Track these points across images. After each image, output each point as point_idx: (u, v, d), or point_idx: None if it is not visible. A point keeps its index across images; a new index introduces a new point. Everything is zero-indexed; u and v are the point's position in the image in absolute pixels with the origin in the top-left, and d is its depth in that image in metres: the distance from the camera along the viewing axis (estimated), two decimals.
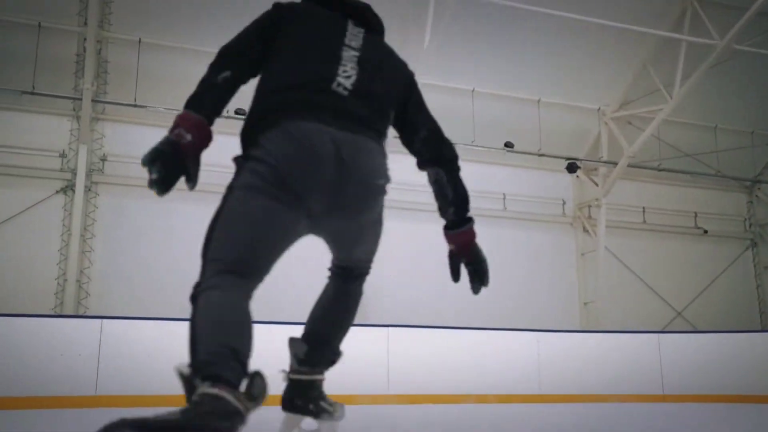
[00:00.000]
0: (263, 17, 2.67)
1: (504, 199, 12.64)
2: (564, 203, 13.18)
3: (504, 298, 11.96)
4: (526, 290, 12.29)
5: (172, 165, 2.37)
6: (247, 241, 2.31)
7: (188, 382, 2.01)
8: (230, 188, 2.45)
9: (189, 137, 2.37)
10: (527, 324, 10.37)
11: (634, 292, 13.06)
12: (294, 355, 2.92)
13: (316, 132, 2.36)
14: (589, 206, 13.13)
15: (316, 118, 2.39)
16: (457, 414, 4.69)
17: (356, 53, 2.63)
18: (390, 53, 2.91)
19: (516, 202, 12.72)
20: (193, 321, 2.18)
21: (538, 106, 12.36)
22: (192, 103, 2.47)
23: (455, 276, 3.02)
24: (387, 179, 2.66)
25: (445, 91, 11.83)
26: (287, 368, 2.95)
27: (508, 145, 12.04)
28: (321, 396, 2.88)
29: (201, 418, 1.75)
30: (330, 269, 2.98)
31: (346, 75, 2.54)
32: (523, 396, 8.37)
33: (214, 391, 1.85)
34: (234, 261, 2.29)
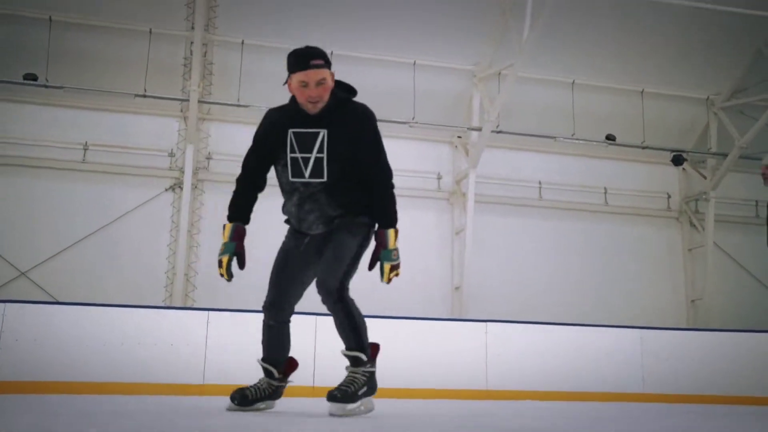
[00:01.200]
0: None
1: (605, 193, 12.29)
2: (669, 197, 12.68)
3: (607, 294, 11.68)
4: (630, 287, 11.93)
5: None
6: None
7: (362, 362, 3.46)
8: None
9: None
10: (631, 321, 10.06)
11: (746, 289, 12.42)
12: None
13: None
14: (696, 200, 12.59)
15: None
16: (557, 410, 4.62)
17: None
18: None
19: (618, 196, 12.34)
20: (354, 317, 3.44)
21: (641, 97, 11.95)
22: None
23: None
24: None
25: (545, 83, 11.64)
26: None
27: (610, 137, 11.70)
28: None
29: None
30: None
31: None
32: (626, 395, 8.15)
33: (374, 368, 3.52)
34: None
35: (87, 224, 10.28)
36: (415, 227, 11.31)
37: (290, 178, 3.48)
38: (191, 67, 10.38)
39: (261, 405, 3.64)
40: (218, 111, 10.95)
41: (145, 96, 10.19)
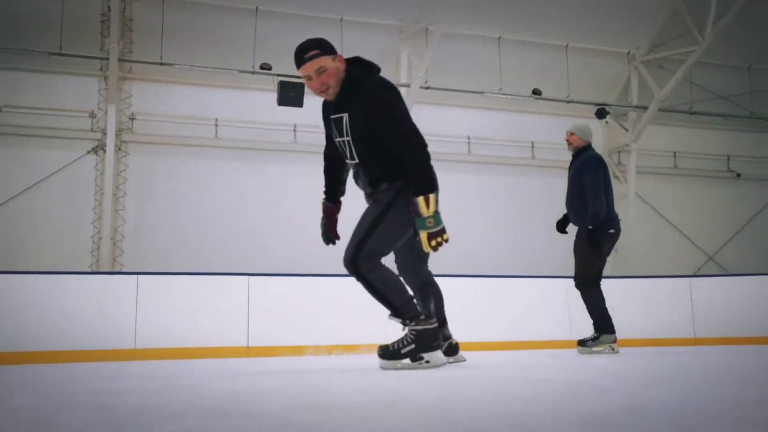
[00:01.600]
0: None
1: (533, 147, 12.54)
2: (595, 149, 13.02)
3: (537, 246, 11.99)
4: (551, 237, 12.25)
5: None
6: None
7: (405, 324, 3.58)
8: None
9: None
10: (554, 271, 10.37)
11: (666, 238, 12.97)
12: None
13: None
14: (619, 152, 12.99)
15: None
16: (504, 359, 4.77)
17: None
18: None
19: (545, 150, 12.61)
20: (376, 287, 3.56)
21: (566, 52, 12.15)
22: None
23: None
24: None
25: (472, 39, 11.69)
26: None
27: (536, 92, 11.90)
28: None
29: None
30: None
31: None
32: (555, 342, 8.43)
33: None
34: None
35: (5, 189, 9.91)
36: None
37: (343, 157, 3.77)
38: (109, 23, 9.98)
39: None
40: (140, 70, 10.59)
41: (61, 54, 9.77)
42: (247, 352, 7.05)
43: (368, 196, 3.72)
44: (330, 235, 3.91)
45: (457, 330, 4.42)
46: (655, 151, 13.03)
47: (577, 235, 5.94)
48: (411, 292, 3.85)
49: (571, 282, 6.13)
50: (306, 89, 10.13)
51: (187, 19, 10.30)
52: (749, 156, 13.82)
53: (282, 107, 10.31)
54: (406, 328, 3.57)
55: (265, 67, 10.37)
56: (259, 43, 10.36)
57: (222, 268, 8.53)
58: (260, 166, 10.82)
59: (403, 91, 11.27)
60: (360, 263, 3.47)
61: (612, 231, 5.88)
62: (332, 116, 3.61)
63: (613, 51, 12.57)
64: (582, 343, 5.80)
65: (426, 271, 4.13)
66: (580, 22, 11.82)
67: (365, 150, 3.54)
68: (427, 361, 3.52)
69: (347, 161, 3.70)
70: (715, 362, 4.20)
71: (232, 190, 10.74)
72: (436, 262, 4.27)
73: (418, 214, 3.35)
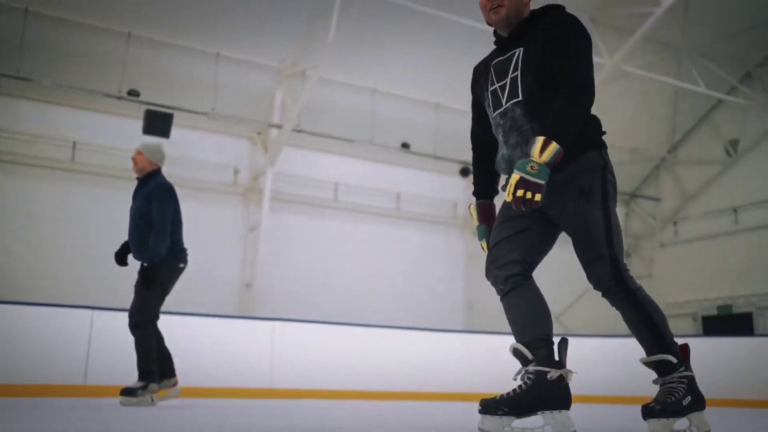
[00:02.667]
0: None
1: (398, 198, 12.79)
2: (456, 206, 13.47)
3: (397, 296, 12.16)
4: (418, 289, 12.52)
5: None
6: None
7: (672, 366, 2.71)
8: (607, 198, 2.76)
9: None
10: (420, 323, 10.52)
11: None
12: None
13: None
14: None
15: None
16: (348, 408, 4.72)
17: None
18: None
19: (410, 202, 12.90)
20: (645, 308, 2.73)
21: (436, 110, 12.58)
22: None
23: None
24: None
25: (347, 87, 11.87)
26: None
27: (405, 145, 12.20)
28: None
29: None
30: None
31: None
32: (409, 394, 8.51)
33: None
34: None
35: None
36: (209, 222, 11.05)
37: (492, 114, 2.91)
38: None
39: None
40: None
41: None
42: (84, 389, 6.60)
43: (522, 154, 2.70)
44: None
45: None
46: None
47: (140, 271, 5.19)
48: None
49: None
50: (174, 120, 9.88)
51: (52, 36, 9.79)
52: None
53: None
54: (676, 374, 2.70)
55: (133, 93, 10.01)
56: (128, 68, 10.01)
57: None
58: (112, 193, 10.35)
59: (273, 133, 11.27)
60: (627, 278, 2.68)
61: (182, 266, 5.28)
62: (497, 59, 2.93)
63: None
64: (129, 392, 4.82)
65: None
66: (452, 82, 12.29)
67: (537, 85, 2.74)
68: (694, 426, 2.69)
69: (497, 111, 2.86)
70: None
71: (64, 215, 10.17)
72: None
73: (528, 152, 2.52)
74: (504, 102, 2.82)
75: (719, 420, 4.01)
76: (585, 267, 2.72)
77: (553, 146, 2.50)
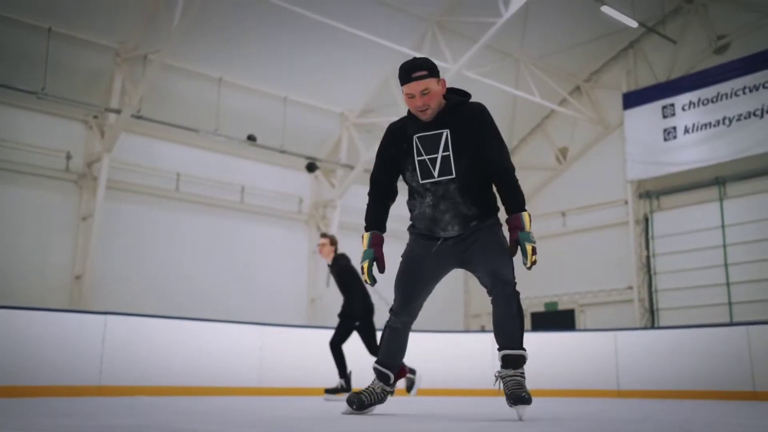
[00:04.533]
0: None
1: (243, 191, 12.55)
2: (301, 201, 13.42)
3: (239, 290, 11.94)
4: (261, 284, 12.36)
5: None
6: None
7: (524, 360, 3.46)
8: None
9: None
10: (259, 317, 10.37)
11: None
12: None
13: None
14: (325, 206, 13.53)
15: None
16: (171, 405, 4.55)
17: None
18: None
19: (255, 195, 12.70)
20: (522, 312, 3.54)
21: (284, 104, 12.47)
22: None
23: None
24: None
25: (193, 76, 11.49)
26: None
27: (251, 138, 11.99)
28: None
29: None
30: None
31: None
32: (244, 389, 8.38)
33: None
34: None
35: None
36: (36, 209, 10.33)
37: (420, 181, 3.53)
38: None
39: (373, 409, 3.80)
40: None
41: None
42: None
43: (456, 222, 3.55)
44: (380, 265, 3.64)
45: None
46: (358, 210, 13.75)
47: None
48: None
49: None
50: None
51: None
52: None
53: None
54: (518, 370, 3.45)
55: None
56: None
57: None
58: None
59: (111, 118, 10.68)
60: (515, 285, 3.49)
61: None
62: (422, 134, 3.54)
63: (328, 110, 13.18)
64: None
65: None
66: (300, 76, 12.25)
67: (469, 168, 3.48)
68: None
69: (427, 180, 3.53)
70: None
71: None
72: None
73: (522, 227, 3.38)
74: (436, 175, 3.49)
75: (538, 408, 4.25)
76: (492, 269, 3.50)
77: (527, 215, 3.42)
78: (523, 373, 3.41)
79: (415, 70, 3.46)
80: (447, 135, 3.48)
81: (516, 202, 3.44)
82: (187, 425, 2.77)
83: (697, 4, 12.99)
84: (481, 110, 3.57)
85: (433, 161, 3.50)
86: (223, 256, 12.10)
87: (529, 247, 3.32)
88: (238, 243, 12.35)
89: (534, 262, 3.33)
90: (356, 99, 13.17)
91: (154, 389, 7.77)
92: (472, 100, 3.65)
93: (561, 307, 14.34)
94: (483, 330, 13.81)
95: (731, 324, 10.45)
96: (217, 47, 11.24)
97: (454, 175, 3.45)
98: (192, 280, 11.49)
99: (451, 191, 3.48)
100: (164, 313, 9.41)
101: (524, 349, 3.43)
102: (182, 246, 11.59)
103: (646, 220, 13.46)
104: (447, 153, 3.47)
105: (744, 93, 11.95)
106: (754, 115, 11.85)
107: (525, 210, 3.43)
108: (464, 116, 3.53)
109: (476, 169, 3.48)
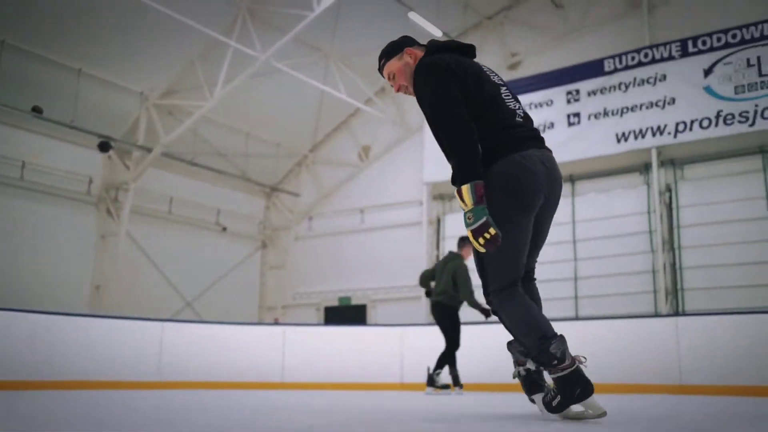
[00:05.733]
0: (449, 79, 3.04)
1: (23, 167, 11.48)
2: (91, 182, 12.55)
3: (15, 273, 10.94)
4: (41, 267, 11.41)
5: None
6: None
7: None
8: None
9: None
10: (37, 304, 9.52)
11: (150, 279, 13.10)
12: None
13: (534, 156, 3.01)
14: (117, 189, 12.79)
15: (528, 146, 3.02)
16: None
17: (503, 86, 3.20)
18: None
19: (38, 172, 11.67)
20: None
21: (78, 76, 11.61)
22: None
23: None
24: None
25: None
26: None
27: (37, 110, 11.00)
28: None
29: None
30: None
31: (516, 107, 3.15)
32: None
33: None
34: None
35: None
36: None
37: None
38: None
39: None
40: None
41: None
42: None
43: None
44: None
45: None
46: (153, 194, 13.20)
47: None
48: None
49: None
50: None
51: None
52: (236, 213, 15.01)
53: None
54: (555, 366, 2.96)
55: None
56: None
57: None
58: None
59: None
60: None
61: None
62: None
63: (127, 87, 12.48)
64: None
65: None
66: (97, 49, 11.45)
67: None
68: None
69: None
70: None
71: None
72: None
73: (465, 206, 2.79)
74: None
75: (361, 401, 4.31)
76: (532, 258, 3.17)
77: (463, 189, 2.79)
78: (557, 367, 2.84)
79: (379, 59, 3.42)
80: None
81: (453, 172, 2.87)
82: None
83: (495, 22, 13.87)
84: (415, 73, 3.18)
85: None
86: (4, 238, 11.02)
87: (468, 233, 2.78)
88: (16, 223, 11.30)
89: (486, 245, 2.75)
90: (159, 79, 12.58)
91: None
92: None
93: (354, 302, 14.68)
94: (276, 323, 13.78)
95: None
96: (1, 7, 10.20)
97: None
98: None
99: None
100: None
101: (545, 349, 2.86)
102: None
103: (438, 221, 14.11)
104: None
105: (531, 109, 12.96)
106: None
107: (457, 184, 2.82)
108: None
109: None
